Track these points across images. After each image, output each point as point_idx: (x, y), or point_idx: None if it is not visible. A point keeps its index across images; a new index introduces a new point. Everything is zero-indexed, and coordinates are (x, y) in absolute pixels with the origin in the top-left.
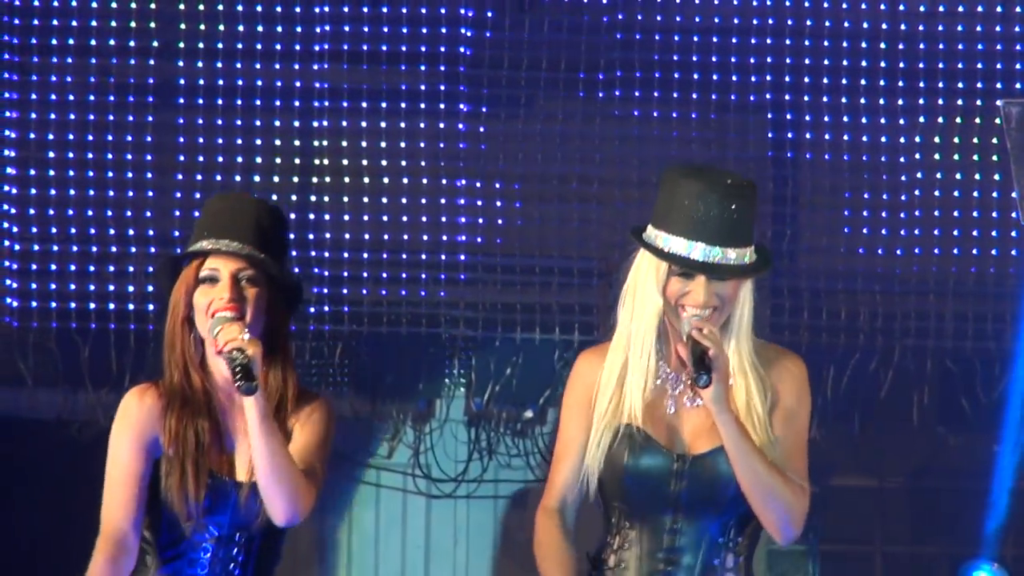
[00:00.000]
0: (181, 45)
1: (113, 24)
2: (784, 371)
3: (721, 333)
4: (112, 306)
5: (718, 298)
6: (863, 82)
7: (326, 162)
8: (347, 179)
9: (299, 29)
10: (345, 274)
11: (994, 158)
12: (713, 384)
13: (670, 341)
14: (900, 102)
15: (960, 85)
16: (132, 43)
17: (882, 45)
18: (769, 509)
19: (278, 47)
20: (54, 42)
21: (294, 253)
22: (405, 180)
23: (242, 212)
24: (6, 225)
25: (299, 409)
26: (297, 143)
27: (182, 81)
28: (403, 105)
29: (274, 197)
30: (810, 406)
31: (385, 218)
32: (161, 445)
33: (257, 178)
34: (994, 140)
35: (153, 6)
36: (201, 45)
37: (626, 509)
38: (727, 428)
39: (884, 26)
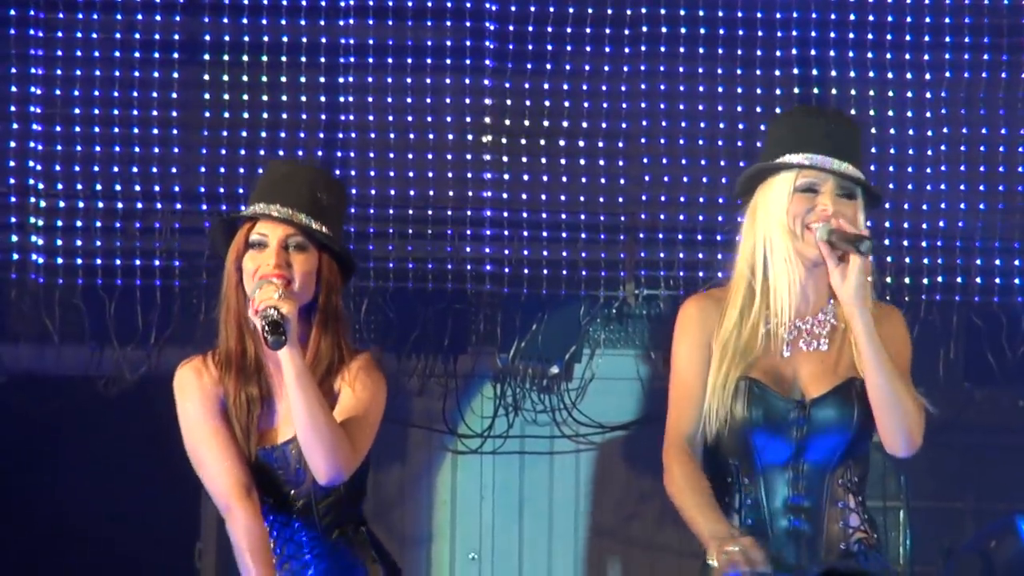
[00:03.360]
0: (206, 1)
1: None
2: (887, 319)
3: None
4: (138, 262)
5: (842, 217)
6: (889, 37)
7: (351, 118)
8: (373, 135)
9: None
10: (371, 230)
11: (1019, 112)
12: (858, 271)
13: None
14: (926, 57)
15: (985, 40)
16: None
17: (908, 0)
18: (896, 413)
19: (304, 3)
20: None
21: None
22: (431, 136)
23: (297, 179)
24: (32, 181)
25: (347, 369)
26: (323, 99)
27: (208, 37)
28: (429, 61)
29: (300, 153)
30: (910, 351)
31: (411, 174)
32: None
33: (283, 134)
34: (1020, 94)
35: None
36: (227, 1)
37: (746, 464)
38: (864, 323)
39: None
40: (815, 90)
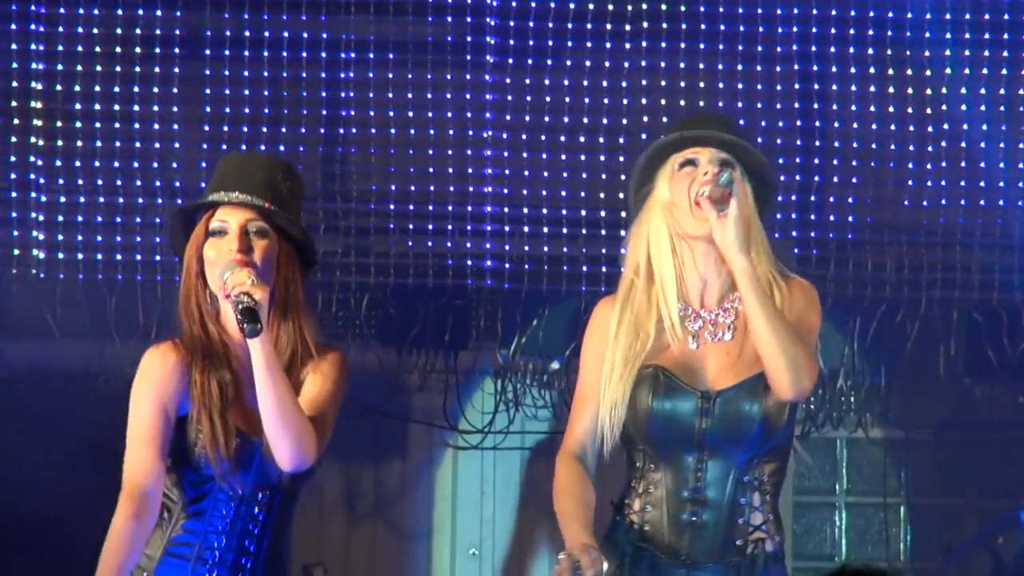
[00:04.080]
0: None
1: None
2: (794, 289)
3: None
4: (139, 257)
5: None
6: (890, 33)
7: (352, 113)
8: (373, 130)
9: None
10: (371, 226)
11: (1021, 109)
12: (732, 220)
13: (684, 279)
14: (926, 53)
15: (986, 36)
16: None
17: None
18: (780, 352)
19: None
20: None
21: (320, 205)
22: (431, 131)
23: (253, 167)
24: (33, 177)
25: (311, 362)
26: (324, 94)
27: (209, 32)
28: (429, 56)
29: (300, 149)
30: (818, 322)
31: (411, 169)
32: (185, 403)
33: (284, 129)
34: (1021, 91)
35: None
36: None
37: (650, 452)
38: (740, 265)
39: None
40: (815, 86)
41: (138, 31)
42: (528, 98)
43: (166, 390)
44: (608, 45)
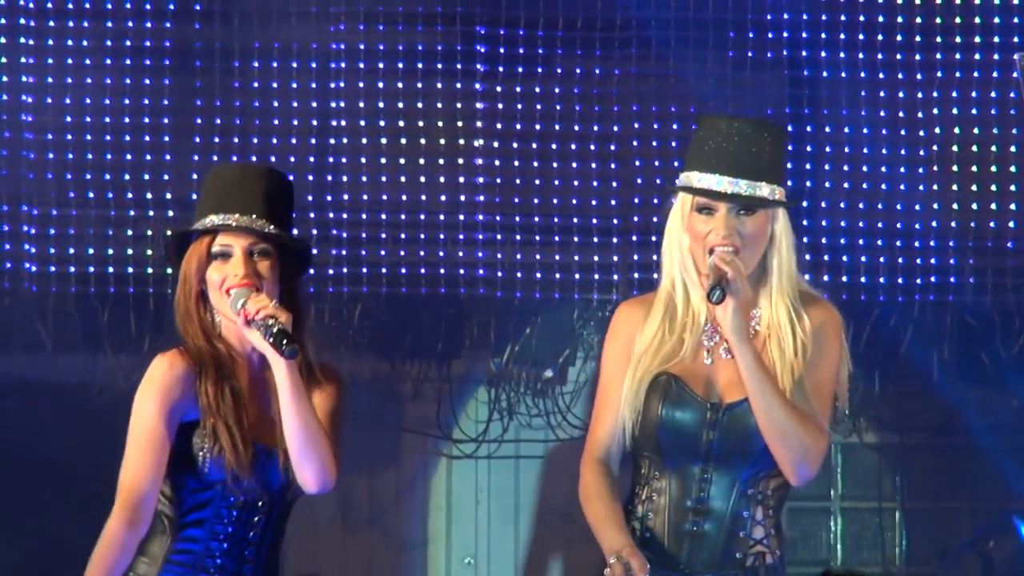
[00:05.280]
0: (197, 8)
1: None
2: (816, 320)
3: (758, 287)
4: (131, 270)
5: (740, 236)
6: (880, 37)
7: (343, 123)
8: (365, 140)
9: None
10: (363, 235)
11: (1011, 112)
12: (731, 311)
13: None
14: (918, 57)
15: (977, 39)
16: (148, 6)
17: (899, 0)
18: (783, 445)
19: (294, 8)
20: (70, 6)
21: (312, 215)
22: (423, 140)
23: (248, 183)
24: (24, 190)
25: (316, 377)
26: (314, 104)
27: (199, 44)
28: (420, 65)
29: (291, 159)
30: (839, 355)
31: (403, 178)
32: (191, 411)
33: (275, 140)
34: (1011, 94)
35: None
36: (217, 8)
37: (657, 460)
38: (744, 358)
39: None
40: (806, 91)
41: (128, 43)
42: (519, 106)
43: (172, 397)
44: (598, 52)
